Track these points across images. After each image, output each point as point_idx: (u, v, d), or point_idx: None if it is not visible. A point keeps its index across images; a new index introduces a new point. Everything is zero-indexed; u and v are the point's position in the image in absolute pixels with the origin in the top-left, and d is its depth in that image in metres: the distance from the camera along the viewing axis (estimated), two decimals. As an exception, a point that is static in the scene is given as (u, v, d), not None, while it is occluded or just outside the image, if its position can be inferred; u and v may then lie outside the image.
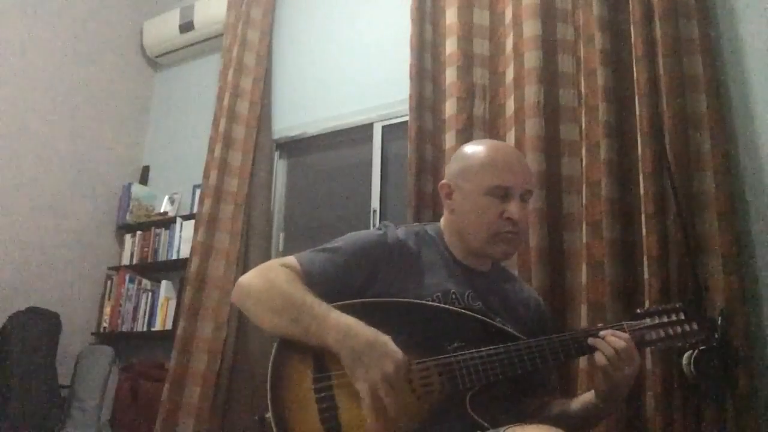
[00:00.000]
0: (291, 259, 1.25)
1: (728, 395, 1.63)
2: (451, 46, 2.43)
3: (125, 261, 3.45)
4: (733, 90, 2.00)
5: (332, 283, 1.21)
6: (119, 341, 3.26)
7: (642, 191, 1.90)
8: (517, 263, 2.04)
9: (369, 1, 3.12)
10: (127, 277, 3.31)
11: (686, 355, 1.55)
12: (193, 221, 3.11)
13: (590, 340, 1.17)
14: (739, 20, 2.05)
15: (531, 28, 2.23)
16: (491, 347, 1.15)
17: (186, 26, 3.59)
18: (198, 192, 3.18)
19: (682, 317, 1.21)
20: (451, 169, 1.40)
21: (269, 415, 1.08)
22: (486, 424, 1.08)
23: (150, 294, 3.31)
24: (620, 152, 2.00)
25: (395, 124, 2.87)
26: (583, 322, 1.92)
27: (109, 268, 3.46)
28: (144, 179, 3.73)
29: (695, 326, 1.20)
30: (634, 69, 2.00)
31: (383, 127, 2.94)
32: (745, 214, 1.88)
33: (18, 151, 3.19)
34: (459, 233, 1.35)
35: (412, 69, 2.47)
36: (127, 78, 3.78)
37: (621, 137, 2.02)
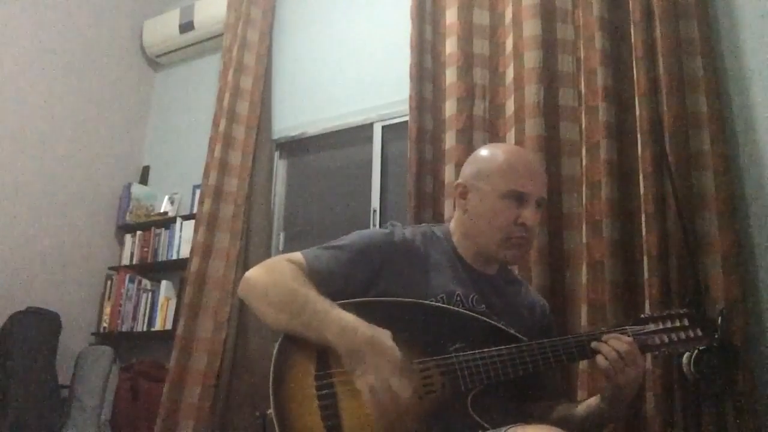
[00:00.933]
0: (297, 255, 1.25)
1: (728, 395, 1.63)
2: (451, 46, 2.43)
3: (125, 261, 3.45)
4: (733, 90, 1.99)
5: (337, 281, 1.21)
6: (119, 341, 3.26)
7: (642, 191, 1.90)
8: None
9: (369, 2, 3.11)
10: (127, 277, 3.31)
11: (686, 355, 1.55)
12: (193, 221, 3.11)
13: (593, 344, 1.17)
14: (739, 20, 2.05)
15: (531, 28, 2.23)
16: (494, 348, 1.15)
17: (186, 26, 3.59)
18: (198, 192, 3.18)
19: (686, 323, 1.21)
20: (467, 169, 1.40)
21: (270, 411, 1.08)
22: (487, 425, 1.08)
23: (150, 294, 3.31)
24: (620, 152, 2.00)
25: (395, 124, 2.87)
26: (583, 322, 1.92)
27: (109, 268, 3.46)
28: (144, 179, 3.73)
29: (699, 332, 1.20)
30: (634, 69, 2.00)
31: (383, 127, 2.94)
32: (745, 214, 1.88)
33: (18, 151, 3.19)
34: (470, 234, 1.35)
35: (412, 69, 2.47)
36: (127, 78, 3.78)
37: (621, 137, 2.02)
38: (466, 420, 1.10)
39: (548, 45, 2.23)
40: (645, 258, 1.84)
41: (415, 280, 1.26)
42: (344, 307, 1.13)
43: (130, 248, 3.46)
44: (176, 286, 3.25)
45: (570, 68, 2.22)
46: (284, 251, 3.10)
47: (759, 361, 1.72)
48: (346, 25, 3.16)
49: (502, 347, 1.16)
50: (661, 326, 1.20)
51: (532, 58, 2.21)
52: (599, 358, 1.15)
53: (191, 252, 2.93)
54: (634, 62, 2.01)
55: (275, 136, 3.21)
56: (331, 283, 1.20)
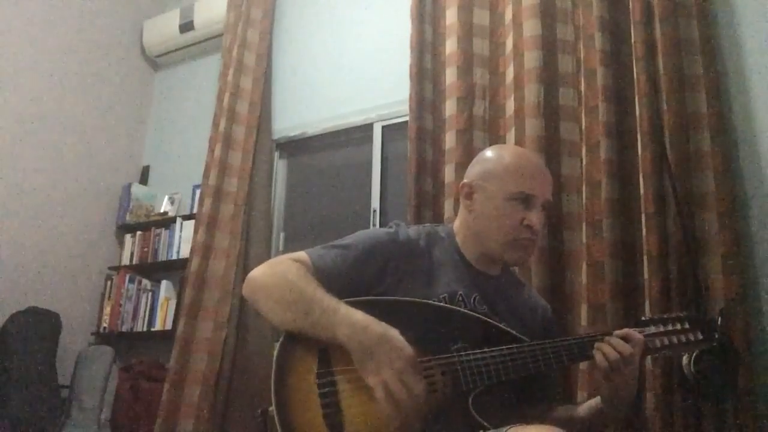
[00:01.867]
0: (301, 254, 1.25)
1: (728, 395, 1.62)
2: (451, 46, 2.43)
3: (125, 261, 3.45)
4: (733, 90, 2.00)
5: (341, 280, 1.21)
6: (119, 341, 3.26)
7: (642, 191, 1.90)
8: (517, 263, 2.04)
9: (369, 2, 3.12)
10: (127, 277, 3.31)
11: (686, 355, 1.55)
12: (193, 221, 3.11)
13: (595, 345, 1.17)
14: (739, 20, 2.05)
15: (531, 28, 2.23)
16: (495, 348, 1.15)
17: (186, 26, 3.59)
18: (198, 192, 3.18)
19: (687, 326, 1.21)
20: (473, 169, 1.40)
21: (272, 408, 1.08)
22: (487, 425, 1.08)
23: (150, 294, 3.31)
24: (620, 152, 2.00)
25: (395, 124, 2.87)
26: (583, 323, 1.92)
27: (109, 268, 3.46)
28: (144, 179, 3.73)
29: (699, 335, 1.20)
30: (634, 69, 2.00)
31: (383, 127, 2.94)
32: (745, 214, 1.88)
33: (18, 151, 3.19)
34: (475, 235, 1.35)
35: (412, 69, 2.47)
36: (127, 78, 3.79)
37: (621, 137, 2.02)
38: (467, 419, 1.10)
39: (548, 45, 2.23)
40: (645, 258, 1.84)
41: (419, 280, 1.27)
42: (348, 304, 1.13)
43: (130, 248, 3.46)
44: (176, 286, 3.25)
45: (570, 68, 2.22)
46: (284, 251, 3.10)
47: (759, 361, 1.72)
48: (346, 25, 3.16)
49: (504, 347, 1.16)
50: (661, 329, 1.20)
51: (532, 58, 2.21)
52: (598, 356, 1.15)
53: (191, 252, 2.93)
54: (634, 62, 2.01)
55: (275, 136, 3.21)
56: (336, 282, 1.20)
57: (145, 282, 3.35)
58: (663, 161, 1.85)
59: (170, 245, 3.31)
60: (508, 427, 1.02)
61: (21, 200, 3.16)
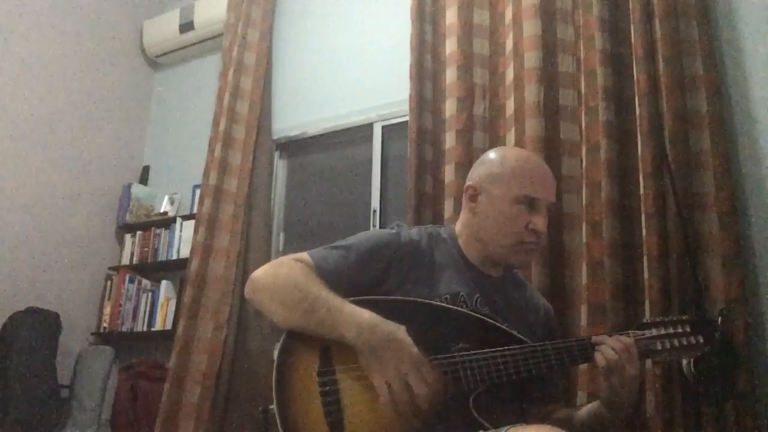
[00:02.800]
0: (303, 255, 1.26)
1: (728, 395, 1.62)
2: (451, 46, 2.43)
3: (125, 261, 3.45)
4: (733, 90, 2.00)
5: (343, 280, 1.21)
6: (119, 341, 3.26)
7: (642, 191, 1.90)
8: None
9: (369, 1, 3.11)
10: (127, 277, 3.31)
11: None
12: (193, 221, 3.11)
13: (594, 343, 1.16)
14: (739, 20, 2.04)
15: (531, 28, 2.23)
16: (496, 349, 1.15)
17: (186, 26, 3.59)
18: (198, 192, 3.18)
19: (688, 329, 1.21)
20: (478, 171, 1.39)
21: (273, 407, 1.08)
22: (488, 425, 1.09)
23: (150, 294, 3.31)
24: (620, 152, 2.00)
25: (395, 124, 2.87)
26: (583, 323, 1.92)
27: (109, 268, 3.46)
28: (144, 179, 3.73)
29: (701, 339, 1.20)
30: (634, 69, 2.00)
31: (383, 127, 2.94)
32: (745, 214, 1.88)
33: (18, 151, 3.19)
34: (479, 237, 1.35)
35: (412, 69, 2.47)
36: (127, 78, 3.78)
37: (621, 137, 2.02)
38: (468, 419, 1.11)
39: (548, 45, 2.23)
40: (645, 258, 1.84)
41: (421, 281, 1.27)
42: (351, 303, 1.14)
43: (130, 248, 3.46)
44: (176, 286, 3.25)
45: (570, 68, 2.22)
46: (284, 251, 3.10)
47: (759, 361, 1.72)
48: (346, 26, 3.16)
49: (505, 348, 1.16)
50: (663, 332, 1.20)
51: (532, 58, 2.20)
52: (597, 356, 1.15)
53: (191, 252, 2.93)
54: (634, 62, 2.01)
55: (275, 136, 3.21)
56: (338, 282, 1.20)
57: (145, 282, 3.35)
58: (663, 161, 1.85)
59: (170, 245, 3.31)
60: (508, 427, 1.02)
61: (21, 200, 3.16)
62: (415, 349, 1.06)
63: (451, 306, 1.23)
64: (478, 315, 1.23)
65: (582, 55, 2.16)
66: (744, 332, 1.69)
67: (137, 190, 3.60)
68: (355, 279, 1.23)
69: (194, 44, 3.66)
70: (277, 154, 3.27)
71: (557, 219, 2.08)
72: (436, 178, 2.37)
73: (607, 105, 2.01)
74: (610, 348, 1.14)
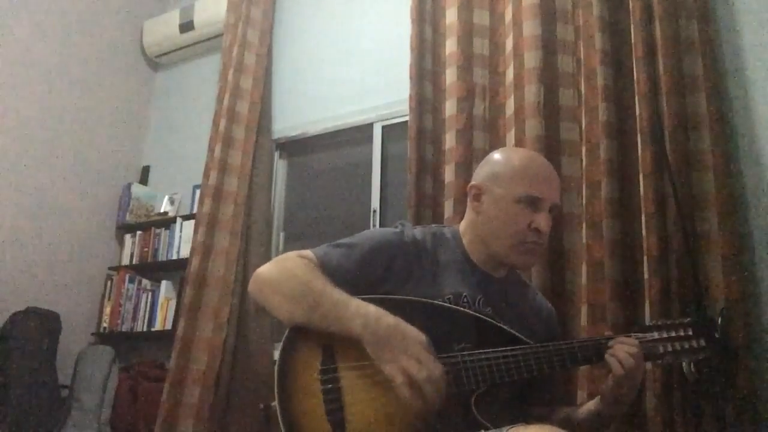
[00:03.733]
0: (307, 252, 1.26)
1: (728, 395, 1.63)
2: (451, 46, 2.43)
3: (125, 261, 3.45)
4: (733, 90, 2.00)
5: (347, 278, 1.22)
6: (119, 341, 3.26)
7: (642, 191, 1.90)
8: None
9: (369, 2, 3.12)
10: (127, 277, 3.31)
11: (686, 355, 1.54)
12: (193, 221, 3.11)
13: (608, 350, 1.17)
14: (739, 20, 2.05)
15: (531, 28, 2.23)
16: (499, 349, 1.16)
17: (186, 26, 3.59)
18: (198, 192, 3.18)
19: (690, 333, 1.21)
20: (482, 171, 1.39)
21: (275, 403, 1.08)
22: (489, 425, 1.09)
23: (150, 294, 3.30)
24: (620, 152, 2.00)
25: (395, 124, 2.87)
26: (583, 323, 1.92)
27: (109, 268, 3.46)
28: (144, 179, 3.73)
29: (702, 342, 1.20)
30: (634, 69, 2.00)
31: (383, 127, 2.94)
32: (745, 214, 1.88)
33: (18, 151, 3.18)
34: (482, 237, 1.34)
35: (412, 69, 2.47)
36: (127, 78, 3.79)
37: (621, 137, 2.02)
38: (469, 419, 1.11)
39: (548, 45, 2.23)
40: (645, 258, 1.84)
41: (424, 281, 1.27)
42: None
43: (130, 248, 3.46)
44: (176, 286, 3.25)
45: (570, 68, 2.22)
46: (284, 251, 3.09)
47: (759, 361, 1.72)
48: (346, 25, 3.16)
49: (507, 349, 1.16)
50: (665, 335, 1.20)
51: (532, 58, 2.21)
52: (614, 363, 1.15)
53: (191, 252, 2.93)
54: (634, 62, 2.01)
55: (275, 136, 3.21)
56: (341, 280, 1.20)
57: (145, 282, 3.35)
58: (663, 161, 1.85)
59: (170, 245, 3.31)
60: (509, 427, 1.02)
61: (21, 200, 3.16)
62: (421, 336, 1.07)
63: (453, 306, 1.23)
64: (481, 315, 1.23)
65: (582, 55, 2.16)
66: (744, 332, 1.69)
67: (137, 190, 3.60)
68: (357, 277, 1.23)
69: (194, 44, 3.66)
70: (277, 154, 3.27)
71: (557, 219, 2.08)
72: (436, 178, 2.37)
73: (607, 105, 2.01)
74: (629, 356, 1.14)
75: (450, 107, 2.36)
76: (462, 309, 1.23)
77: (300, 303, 1.16)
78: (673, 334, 1.21)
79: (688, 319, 1.23)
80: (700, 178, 1.87)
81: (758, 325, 1.77)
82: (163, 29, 3.71)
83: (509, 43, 2.34)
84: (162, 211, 3.48)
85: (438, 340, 1.14)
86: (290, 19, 3.37)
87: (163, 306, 3.22)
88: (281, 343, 1.16)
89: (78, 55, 3.51)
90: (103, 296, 3.40)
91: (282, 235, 3.20)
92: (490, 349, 1.15)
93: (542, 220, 1.29)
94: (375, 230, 1.37)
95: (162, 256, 3.32)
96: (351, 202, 2.99)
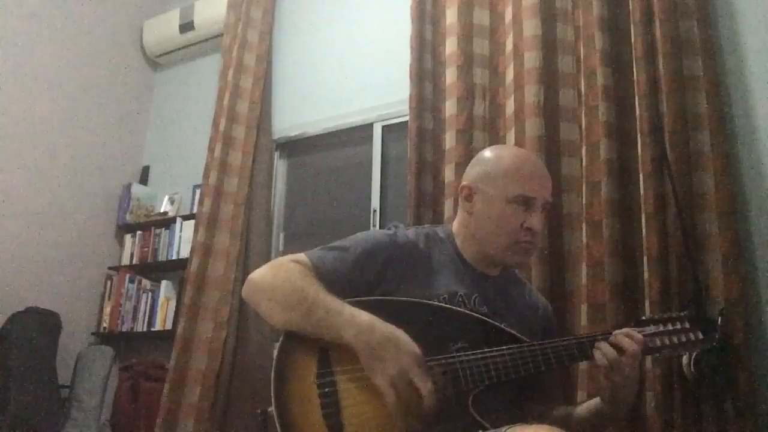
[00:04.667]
0: (301, 256, 1.25)
1: (728, 395, 1.63)
2: (451, 46, 2.43)
3: (125, 261, 3.45)
4: (733, 90, 1.99)
5: (341, 281, 1.21)
6: (119, 341, 3.26)
7: (642, 191, 1.90)
8: (517, 263, 2.04)
9: (369, 2, 3.12)
10: (127, 277, 3.31)
11: (686, 355, 1.55)
12: (193, 221, 3.11)
13: (596, 343, 1.16)
14: (739, 20, 2.04)
15: (531, 28, 2.23)
16: (495, 348, 1.15)
17: (186, 26, 3.59)
18: (198, 192, 3.18)
19: (687, 325, 1.21)
20: (473, 171, 1.39)
21: (272, 409, 1.08)
22: (487, 425, 1.09)
23: (150, 294, 3.31)
24: (620, 152, 2.00)
25: (395, 124, 2.87)
26: (583, 323, 1.92)
27: (109, 268, 3.46)
28: (144, 179, 3.73)
29: (699, 335, 1.20)
30: (634, 69, 2.00)
31: (383, 127, 2.94)
32: (745, 214, 1.88)
33: (18, 151, 3.19)
34: (475, 237, 1.34)
35: (412, 69, 2.47)
36: (127, 78, 3.78)
37: (621, 137, 2.02)
38: (467, 419, 1.10)
39: (548, 45, 2.23)
40: (645, 258, 1.84)
41: (419, 281, 1.26)
42: (350, 305, 1.13)
43: (130, 248, 3.46)
44: (176, 286, 3.25)
45: (570, 68, 2.22)
46: (284, 251, 3.10)
47: (759, 361, 1.72)
48: (346, 25, 3.16)
49: (504, 348, 1.16)
50: (661, 328, 1.20)
51: (532, 58, 2.20)
52: (597, 354, 1.15)
53: (191, 252, 2.93)
54: (634, 62, 2.01)
55: (275, 136, 3.21)
56: (335, 283, 1.20)
57: (145, 282, 3.35)
58: (663, 161, 1.85)
59: (170, 245, 3.31)
60: (508, 426, 1.02)
61: (21, 200, 3.16)
62: (414, 348, 1.06)
63: (449, 306, 1.23)
64: (477, 315, 1.23)
65: (582, 55, 2.16)
66: (744, 332, 1.69)
67: (137, 190, 3.60)
68: (352, 280, 1.23)
69: (194, 44, 3.66)
70: (277, 154, 3.27)
71: (557, 219, 2.08)
72: (436, 178, 2.37)
73: (607, 105, 2.01)
74: (610, 346, 1.14)
75: (450, 107, 2.36)
76: (458, 309, 1.23)
77: (293, 310, 1.15)
78: (670, 327, 1.20)
79: (684, 312, 1.23)
80: (700, 178, 1.87)
81: (758, 325, 1.76)
82: (163, 29, 3.71)
83: (509, 43, 2.33)
84: (162, 211, 3.48)
85: (434, 341, 1.13)
86: (290, 19, 3.37)
87: (163, 306, 3.22)
88: (276, 348, 1.15)
89: (78, 55, 3.51)
90: (103, 296, 3.40)
91: (282, 235, 3.20)
92: (487, 349, 1.15)
93: (535, 220, 1.28)
94: (368, 232, 1.36)
95: (162, 256, 3.32)
96: (351, 202, 2.99)
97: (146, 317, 3.26)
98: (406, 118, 2.50)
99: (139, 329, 3.25)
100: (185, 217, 3.31)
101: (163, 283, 3.27)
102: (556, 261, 2.05)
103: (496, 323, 1.22)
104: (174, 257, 3.27)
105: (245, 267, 2.87)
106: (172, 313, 3.16)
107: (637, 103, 1.97)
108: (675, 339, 1.19)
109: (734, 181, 1.87)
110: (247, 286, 1.24)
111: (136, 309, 3.29)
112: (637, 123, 1.95)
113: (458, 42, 2.40)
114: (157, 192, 3.62)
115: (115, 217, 3.56)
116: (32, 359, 2.88)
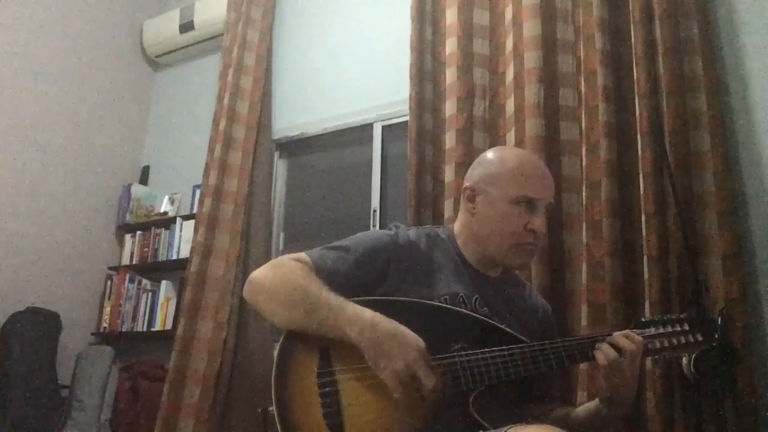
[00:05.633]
0: (302, 255, 1.26)
1: (728, 395, 1.62)
2: (451, 46, 2.43)
3: (125, 261, 3.45)
4: (733, 90, 1.99)
5: (342, 281, 1.21)
6: (119, 341, 3.26)
7: (642, 191, 1.90)
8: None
9: (369, 1, 3.12)
10: (127, 277, 3.31)
11: (686, 355, 1.54)
12: (193, 221, 3.11)
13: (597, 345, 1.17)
14: (739, 20, 2.04)
15: (531, 28, 2.23)
16: (496, 349, 1.15)
17: (186, 26, 3.59)
18: (198, 192, 3.18)
19: (686, 327, 1.21)
20: (476, 172, 1.39)
21: (272, 407, 1.08)
22: (487, 425, 1.09)
23: (150, 294, 3.31)
24: (620, 152, 2.00)
25: (395, 124, 2.87)
26: (583, 323, 1.91)
27: (109, 268, 3.46)
28: (144, 179, 3.73)
29: (699, 337, 1.20)
30: (634, 69, 2.00)
31: (383, 127, 2.94)
32: (745, 214, 1.88)
33: (18, 151, 3.19)
34: (477, 238, 1.34)
35: (412, 69, 2.47)
36: (127, 78, 3.79)
37: (621, 137, 2.02)
38: (467, 419, 1.11)
39: (548, 45, 2.22)
40: (645, 258, 1.84)
41: (419, 282, 1.27)
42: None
43: (130, 248, 3.46)
44: (176, 286, 3.25)
45: (570, 68, 2.22)
46: (284, 251, 3.10)
47: (759, 361, 1.72)
48: (345, 25, 3.16)
49: (504, 348, 1.16)
50: (661, 330, 1.20)
51: (532, 58, 2.20)
52: (599, 355, 1.15)
53: (191, 252, 2.93)
54: (634, 62, 2.01)
55: (275, 136, 3.21)
56: (336, 283, 1.20)
57: (145, 282, 3.36)
58: (663, 161, 1.85)
59: (170, 245, 3.31)
60: (508, 426, 1.02)
61: (21, 200, 3.16)
62: (419, 342, 1.07)
63: (450, 306, 1.23)
64: (477, 315, 1.23)
65: (582, 55, 2.15)
66: (744, 332, 1.69)
67: (137, 190, 3.60)
68: (353, 279, 1.23)
69: (194, 44, 3.66)
70: (277, 154, 3.27)
71: (557, 219, 2.08)
72: (436, 178, 2.37)
73: (607, 105, 2.01)
74: (610, 347, 1.14)
75: (450, 107, 2.36)
76: (458, 309, 1.23)
77: (296, 309, 1.15)
78: (670, 329, 1.20)
79: (685, 314, 1.23)
80: (700, 178, 1.87)
81: (758, 325, 1.77)
82: (163, 29, 3.71)
83: (509, 43, 2.33)
84: (162, 211, 3.48)
85: (435, 341, 1.13)
86: (290, 19, 3.37)
87: (163, 306, 3.23)
88: (277, 347, 1.15)
89: (78, 55, 3.52)
90: (103, 296, 3.40)
91: (282, 235, 3.20)
92: (488, 349, 1.15)
93: (538, 221, 1.29)
94: (369, 232, 1.36)
95: (162, 256, 3.32)
96: (351, 202, 2.99)
97: (146, 317, 3.26)
98: (406, 118, 2.50)
99: (139, 329, 3.25)
100: (185, 217, 3.31)
101: (163, 283, 3.28)
102: (556, 261, 2.05)
103: (496, 324, 1.23)
104: (174, 257, 3.27)
105: (245, 267, 2.87)
106: (172, 313, 3.16)
107: (637, 103, 1.97)
108: (675, 341, 1.19)
109: (734, 181, 1.87)
110: (248, 286, 1.24)
111: (136, 309, 3.29)
112: (637, 123, 1.95)
113: (458, 42, 2.40)
114: (157, 192, 3.62)
115: (115, 217, 3.57)
116: (32, 359, 2.88)
